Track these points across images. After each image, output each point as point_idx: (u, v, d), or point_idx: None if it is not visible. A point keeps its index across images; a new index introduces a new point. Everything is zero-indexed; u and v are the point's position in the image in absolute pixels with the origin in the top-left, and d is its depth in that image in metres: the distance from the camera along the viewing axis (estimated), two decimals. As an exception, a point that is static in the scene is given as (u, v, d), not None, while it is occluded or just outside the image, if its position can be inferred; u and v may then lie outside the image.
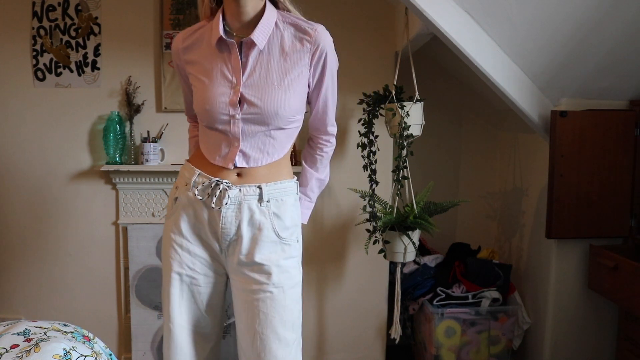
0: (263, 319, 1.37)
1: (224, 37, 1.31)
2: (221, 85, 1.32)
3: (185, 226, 1.41)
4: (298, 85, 1.34)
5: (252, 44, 1.30)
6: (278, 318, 1.38)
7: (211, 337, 1.50)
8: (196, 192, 1.37)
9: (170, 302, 1.42)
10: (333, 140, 1.55)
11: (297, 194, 1.47)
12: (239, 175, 1.38)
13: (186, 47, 1.39)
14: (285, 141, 1.40)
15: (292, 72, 1.32)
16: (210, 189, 1.36)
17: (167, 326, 1.44)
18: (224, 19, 1.32)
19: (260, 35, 1.29)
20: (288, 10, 1.37)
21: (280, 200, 1.40)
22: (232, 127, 1.33)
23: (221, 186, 1.35)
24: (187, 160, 1.47)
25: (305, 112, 1.44)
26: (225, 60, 1.33)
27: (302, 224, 1.52)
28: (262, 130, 1.34)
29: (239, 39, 1.32)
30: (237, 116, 1.32)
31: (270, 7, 1.33)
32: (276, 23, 1.33)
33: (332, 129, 1.51)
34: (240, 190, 1.36)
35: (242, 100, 1.31)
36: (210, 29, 1.35)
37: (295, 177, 1.48)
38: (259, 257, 1.37)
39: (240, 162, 1.36)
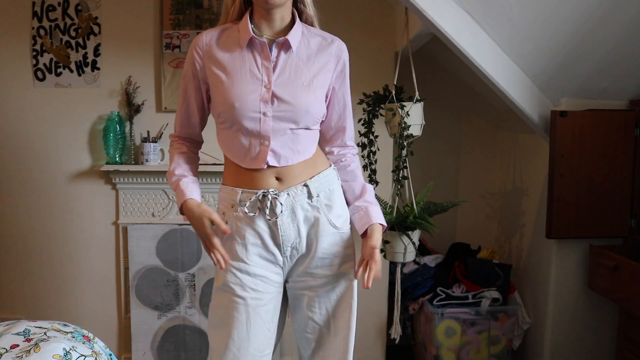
0: (335, 307, 1.42)
1: (255, 37, 1.33)
2: (250, 84, 1.33)
3: (241, 249, 1.38)
4: (322, 89, 1.38)
5: (285, 45, 1.34)
6: (347, 305, 1.42)
7: (271, 354, 1.48)
8: (246, 210, 1.36)
9: (238, 329, 1.37)
10: (355, 150, 1.53)
11: (339, 179, 1.47)
12: (278, 179, 1.37)
13: (211, 45, 1.38)
14: (312, 140, 1.41)
15: (318, 75, 1.36)
16: (259, 203, 1.35)
17: (233, 352, 1.38)
18: (252, 23, 1.36)
19: (294, 37, 1.35)
20: (308, 20, 1.42)
21: (329, 190, 1.42)
22: (262, 125, 1.33)
23: (269, 196, 1.35)
24: (223, 184, 1.45)
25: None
26: (255, 59, 1.35)
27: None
28: (291, 129, 1.35)
29: (269, 40, 1.35)
30: (269, 113, 1.32)
31: (298, 19, 1.39)
32: (303, 32, 1.39)
33: (353, 139, 1.52)
34: (288, 194, 1.36)
35: (273, 98, 1.33)
36: (236, 30, 1.37)
37: (332, 164, 1.47)
38: (321, 253, 1.39)
39: (272, 161, 1.35)
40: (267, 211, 1.34)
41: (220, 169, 1.53)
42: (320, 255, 1.39)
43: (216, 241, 1.35)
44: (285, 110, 1.33)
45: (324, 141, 1.51)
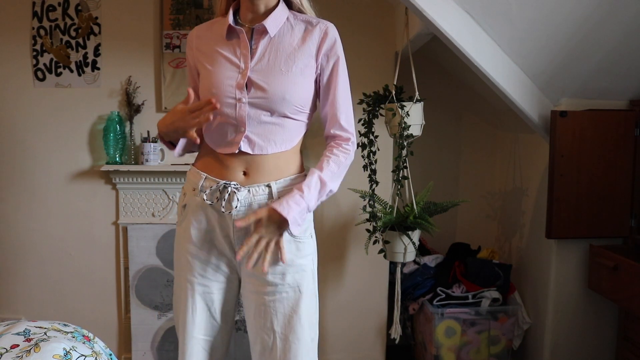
0: (281, 320, 1.37)
1: (232, 25, 1.36)
2: (228, 70, 1.35)
3: (195, 233, 1.39)
4: (305, 75, 1.36)
5: (263, 31, 1.35)
6: (296, 318, 1.37)
7: (222, 346, 1.50)
8: (204, 197, 1.36)
9: (184, 312, 1.42)
10: (348, 146, 1.39)
11: None
12: (245, 174, 1.36)
13: (199, 37, 1.44)
14: (293, 132, 1.38)
15: (300, 60, 1.35)
16: (218, 192, 1.35)
17: (181, 336, 1.45)
18: (237, 13, 1.39)
19: (272, 23, 1.34)
20: (301, 11, 1.41)
21: None
22: (238, 110, 1.33)
23: (229, 188, 1.34)
24: (193, 165, 1.46)
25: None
26: (234, 47, 1.37)
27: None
28: (268, 117, 1.34)
29: (249, 28, 1.37)
30: (244, 99, 1.33)
31: (282, 5, 1.38)
32: (287, 18, 1.38)
33: (346, 127, 1.40)
34: (249, 191, 1.35)
35: (249, 84, 1.33)
36: (223, 23, 1.40)
37: (305, 171, 1.44)
38: (273, 258, 1.34)
39: (244, 147, 1.35)
40: (224, 203, 1.34)
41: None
42: (273, 261, 1.34)
43: (187, 107, 1.28)
44: (260, 96, 1.32)
45: (323, 120, 1.43)
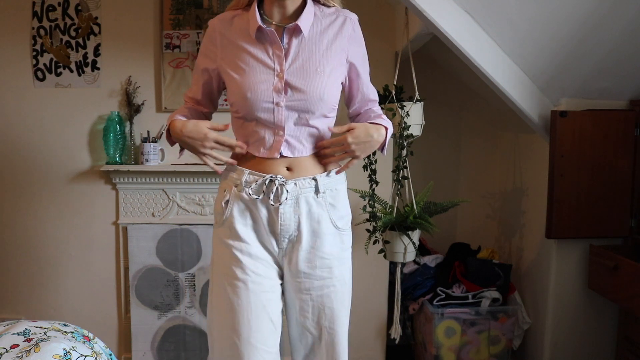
0: (329, 314, 1.38)
1: (263, 26, 1.31)
2: (262, 73, 1.30)
3: (242, 228, 1.33)
4: (338, 73, 1.36)
5: (297, 31, 1.32)
6: (344, 310, 1.40)
7: (278, 355, 1.41)
8: (250, 192, 1.33)
9: (237, 315, 1.30)
10: (377, 107, 1.49)
11: (345, 181, 1.46)
12: (288, 169, 1.35)
13: (222, 34, 1.37)
14: (326, 132, 1.38)
15: (333, 59, 1.34)
16: (265, 187, 1.32)
17: (231, 341, 1.31)
18: (260, 9, 1.34)
19: (305, 22, 1.31)
20: (326, 4, 1.39)
21: (335, 189, 1.39)
22: (276, 115, 1.31)
23: (277, 182, 1.31)
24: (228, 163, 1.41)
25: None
26: (266, 48, 1.32)
27: None
28: (305, 118, 1.33)
29: (279, 27, 1.33)
30: (282, 103, 1.30)
31: (309, 1, 1.36)
32: (315, 14, 1.35)
33: (376, 104, 1.49)
34: (296, 184, 1.33)
35: (286, 87, 1.30)
36: (246, 19, 1.34)
37: (340, 164, 1.44)
38: (321, 252, 1.35)
39: (285, 151, 1.33)
40: (272, 196, 1.31)
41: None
42: (321, 255, 1.36)
43: (214, 134, 1.31)
44: (298, 99, 1.30)
45: (350, 105, 1.48)
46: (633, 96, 2.17)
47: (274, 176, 1.32)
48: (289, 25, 1.31)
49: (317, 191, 1.35)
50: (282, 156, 1.33)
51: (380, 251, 2.27)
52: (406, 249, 2.23)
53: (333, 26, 1.35)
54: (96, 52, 2.57)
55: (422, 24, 2.00)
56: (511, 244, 2.79)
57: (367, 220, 2.27)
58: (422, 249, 2.78)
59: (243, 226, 1.34)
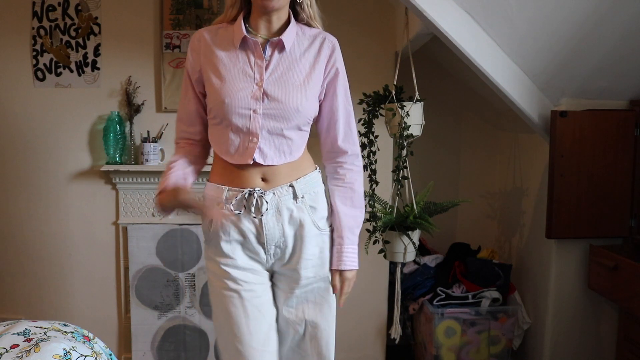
0: (312, 309, 1.46)
1: (248, 36, 1.36)
2: (241, 81, 1.35)
3: (227, 246, 1.40)
4: (314, 89, 1.40)
5: (280, 45, 1.37)
6: (326, 306, 1.48)
7: (276, 354, 1.47)
8: (232, 208, 1.38)
9: (236, 323, 1.39)
10: (354, 162, 1.47)
11: (322, 182, 1.49)
12: (264, 180, 1.39)
13: (205, 43, 1.40)
14: (299, 143, 1.42)
15: (310, 75, 1.38)
16: (244, 201, 1.37)
17: (235, 348, 1.39)
18: (246, 23, 1.39)
19: (288, 38, 1.37)
20: (309, 24, 1.43)
21: (314, 192, 1.43)
22: (252, 122, 1.34)
23: (255, 195, 1.37)
24: (208, 181, 1.46)
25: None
26: (248, 58, 1.37)
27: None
28: (280, 128, 1.36)
29: (263, 40, 1.38)
30: (259, 110, 1.34)
31: (293, 19, 1.41)
32: (297, 33, 1.41)
33: (348, 146, 1.46)
34: (274, 193, 1.38)
35: (264, 96, 1.35)
36: (231, 30, 1.39)
37: (317, 167, 1.49)
38: (305, 254, 1.41)
39: (258, 158, 1.37)
40: (253, 209, 1.36)
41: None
42: (306, 257, 1.42)
43: (195, 200, 1.33)
44: (275, 108, 1.34)
45: (321, 147, 1.49)
46: (633, 96, 2.17)
47: (252, 189, 1.37)
48: (273, 39, 1.37)
49: (295, 197, 1.40)
50: (255, 163, 1.37)
51: (380, 251, 2.27)
52: (406, 249, 2.23)
53: (314, 46, 1.40)
54: (96, 52, 2.57)
55: (422, 24, 2.00)
56: (511, 244, 2.79)
57: (367, 220, 2.27)
58: (422, 249, 2.78)
59: (227, 243, 1.40)
